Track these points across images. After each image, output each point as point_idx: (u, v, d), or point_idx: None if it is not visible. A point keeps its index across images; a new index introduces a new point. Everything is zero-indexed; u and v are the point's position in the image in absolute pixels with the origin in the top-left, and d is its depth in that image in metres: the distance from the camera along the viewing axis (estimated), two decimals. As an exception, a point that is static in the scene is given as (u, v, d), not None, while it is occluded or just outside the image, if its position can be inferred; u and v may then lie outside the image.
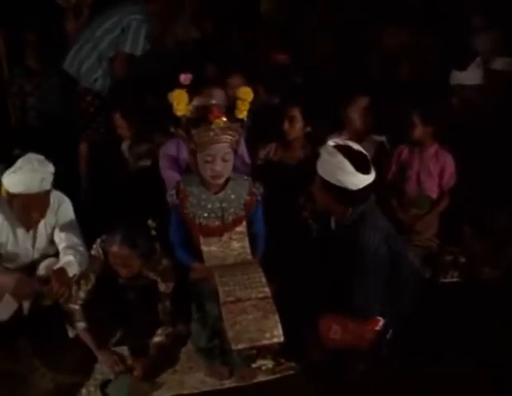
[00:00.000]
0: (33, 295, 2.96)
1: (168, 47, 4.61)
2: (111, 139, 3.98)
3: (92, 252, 2.99)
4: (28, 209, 2.93)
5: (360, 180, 2.69)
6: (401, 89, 4.08)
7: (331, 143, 2.78)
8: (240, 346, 2.57)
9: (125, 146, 3.85)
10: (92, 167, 4.19)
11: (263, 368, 2.96)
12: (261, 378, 2.93)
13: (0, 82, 4.37)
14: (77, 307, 2.93)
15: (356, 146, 2.77)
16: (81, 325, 2.94)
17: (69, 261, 2.94)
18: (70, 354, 3.03)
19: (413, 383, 2.84)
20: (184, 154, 3.21)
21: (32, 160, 2.90)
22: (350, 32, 4.47)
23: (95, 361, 2.98)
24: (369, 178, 2.71)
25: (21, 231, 3.04)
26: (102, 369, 2.95)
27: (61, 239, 3.05)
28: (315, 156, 3.09)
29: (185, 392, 2.87)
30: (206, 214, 2.80)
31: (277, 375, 2.94)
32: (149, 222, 2.90)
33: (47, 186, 2.94)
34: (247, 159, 3.37)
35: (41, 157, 2.95)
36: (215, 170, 2.71)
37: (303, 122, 3.58)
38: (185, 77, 2.80)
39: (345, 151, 2.70)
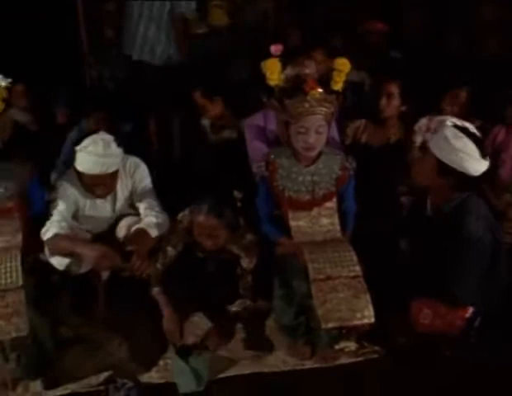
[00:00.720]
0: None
1: (249, 20, 4.50)
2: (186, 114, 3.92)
3: (176, 225, 2.93)
4: (92, 186, 2.90)
5: (482, 165, 2.54)
6: (494, 66, 3.86)
7: (449, 123, 2.63)
8: (330, 325, 2.48)
9: (206, 121, 3.75)
10: (162, 142, 4.12)
11: (346, 350, 2.85)
12: (343, 360, 2.83)
13: (79, 53, 4.36)
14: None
15: (473, 128, 2.62)
16: (156, 289, 2.89)
17: (151, 222, 2.88)
18: (148, 324, 2.99)
19: (499, 372, 2.71)
20: (272, 126, 3.13)
21: (98, 142, 2.81)
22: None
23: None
24: (487, 163, 2.56)
25: (98, 199, 3.00)
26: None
27: (140, 202, 3.00)
28: (407, 136, 2.99)
29: (265, 370, 2.80)
30: (296, 188, 2.71)
31: (360, 358, 2.84)
32: (235, 193, 2.83)
33: (110, 169, 2.86)
34: (336, 137, 3.23)
35: (110, 138, 2.86)
36: (308, 142, 2.61)
37: (400, 100, 3.39)
38: (276, 48, 2.71)
39: (468, 134, 2.55)
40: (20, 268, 2.54)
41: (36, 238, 2.81)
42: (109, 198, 3.02)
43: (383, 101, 3.37)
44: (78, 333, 2.98)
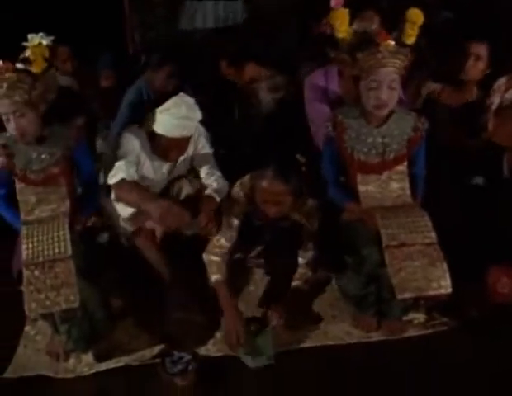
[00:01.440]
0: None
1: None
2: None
3: (233, 195, 2.77)
4: (167, 149, 2.77)
5: None
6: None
7: None
8: (406, 296, 2.32)
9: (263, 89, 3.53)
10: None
11: (415, 322, 2.68)
12: (411, 332, 2.66)
13: (121, 16, 4.19)
14: (216, 258, 2.70)
15: None
16: (215, 277, 2.69)
17: (214, 187, 2.77)
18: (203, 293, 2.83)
19: None
20: (333, 85, 2.94)
21: (181, 104, 2.69)
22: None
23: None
24: None
25: (158, 161, 2.86)
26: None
27: (201, 167, 2.88)
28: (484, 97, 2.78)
29: (329, 342, 2.65)
30: (365, 150, 2.54)
31: (429, 331, 2.67)
32: (298, 157, 2.65)
33: (189, 133, 2.76)
34: (404, 98, 3.02)
35: (191, 100, 2.73)
36: (380, 98, 2.43)
37: (487, 62, 3.11)
38: (336, 1, 2.52)
39: None
40: (68, 237, 2.40)
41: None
42: (169, 163, 2.89)
43: (470, 63, 3.10)
44: (130, 304, 2.86)
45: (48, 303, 2.29)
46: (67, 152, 2.56)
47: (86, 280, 2.48)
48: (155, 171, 2.86)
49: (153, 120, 2.72)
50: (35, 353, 2.65)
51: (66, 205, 2.55)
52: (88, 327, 2.56)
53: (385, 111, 2.48)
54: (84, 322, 2.54)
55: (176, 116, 2.67)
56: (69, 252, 2.37)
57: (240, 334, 2.57)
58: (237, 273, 2.94)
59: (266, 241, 2.91)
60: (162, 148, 2.77)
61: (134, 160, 2.73)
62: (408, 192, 2.56)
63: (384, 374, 2.48)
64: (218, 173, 2.85)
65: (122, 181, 2.65)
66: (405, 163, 2.55)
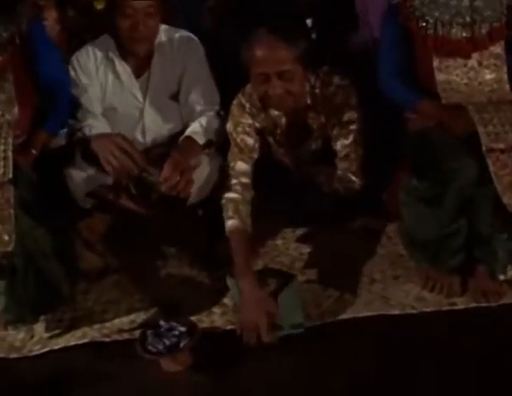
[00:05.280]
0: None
1: None
2: None
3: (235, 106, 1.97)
4: (132, 21, 1.95)
5: None
6: None
7: None
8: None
9: None
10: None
11: (517, 283, 1.84)
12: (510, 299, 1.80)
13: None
14: (235, 195, 1.86)
15: None
16: (230, 223, 1.85)
17: (198, 126, 1.98)
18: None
19: None
20: None
21: None
22: None
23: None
24: None
25: (126, 74, 2.08)
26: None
27: (188, 94, 2.07)
28: None
29: (394, 312, 1.80)
30: (446, 17, 1.72)
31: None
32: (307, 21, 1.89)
33: None
34: None
35: None
36: None
37: None
38: None
39: None
40: (10, 156, 1.79)
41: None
42: (142, 79, 2.08)
43: None
44: (106, 258, 2.09)
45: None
46: (16, 32, 1.86)
47: (34, 217, 1.76)
48: (123, 91, 2.08)
49: None
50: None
51: (13, 113, 1.88)
52: (37, 286, 1.80)
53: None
54: (29, 278, 1.79)
55: None
56: (9, 174, 1.77)
57: (262, 323, 1.68)
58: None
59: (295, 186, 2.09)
60: (123, 28, 1.96)
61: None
62: (507, 86, 1.74)
63: (471, 356, 1.62)
64: (212, 106, 2.06)
65: None
66: (503, 43, 1.75)
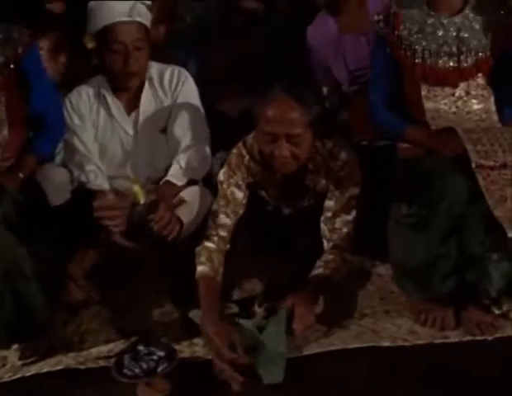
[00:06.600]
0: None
1: None
2: None
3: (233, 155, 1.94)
4: (121, 56, 1.96)
5: None
6: None
7: None
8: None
9: None
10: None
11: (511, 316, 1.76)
12: (508, 331, 1.72)
13: None
14: (210, 245, 1.83)
15: None
16: (200, 269, 1.81)
17: (178, 168, 1.95)
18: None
19: None
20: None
21: None
22: None
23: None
24: None
25: (118, 111, 2.08)
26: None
27: (174, 130, 2.04)
28: None
29: (385, 344, 1.73)
30: (433, 47, 1.75)
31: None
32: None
33: (136, 16, 1.97)
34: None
35: None
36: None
37: None
38: None
39: None
40: None
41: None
42: (132, 115, 2.07)
43: None
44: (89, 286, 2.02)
45: None
46: (12, 58, 1.87)
47: (15, 236, 1.70)
48: (113, 128, 2.08)
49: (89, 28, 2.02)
50: None
51: (3, 134, 1.88)
52: (12, 309, 1.71)
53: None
54: (6, 300, 1.70)
55: None
56: None
57: (226, 355, 1.61)
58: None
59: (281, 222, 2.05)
60: (112, 61, 1.97)
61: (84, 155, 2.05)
62: (495, 117, 1.76)
63: (466, 388, 1.54)
64: (199, 141, 2.02)
65: None
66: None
